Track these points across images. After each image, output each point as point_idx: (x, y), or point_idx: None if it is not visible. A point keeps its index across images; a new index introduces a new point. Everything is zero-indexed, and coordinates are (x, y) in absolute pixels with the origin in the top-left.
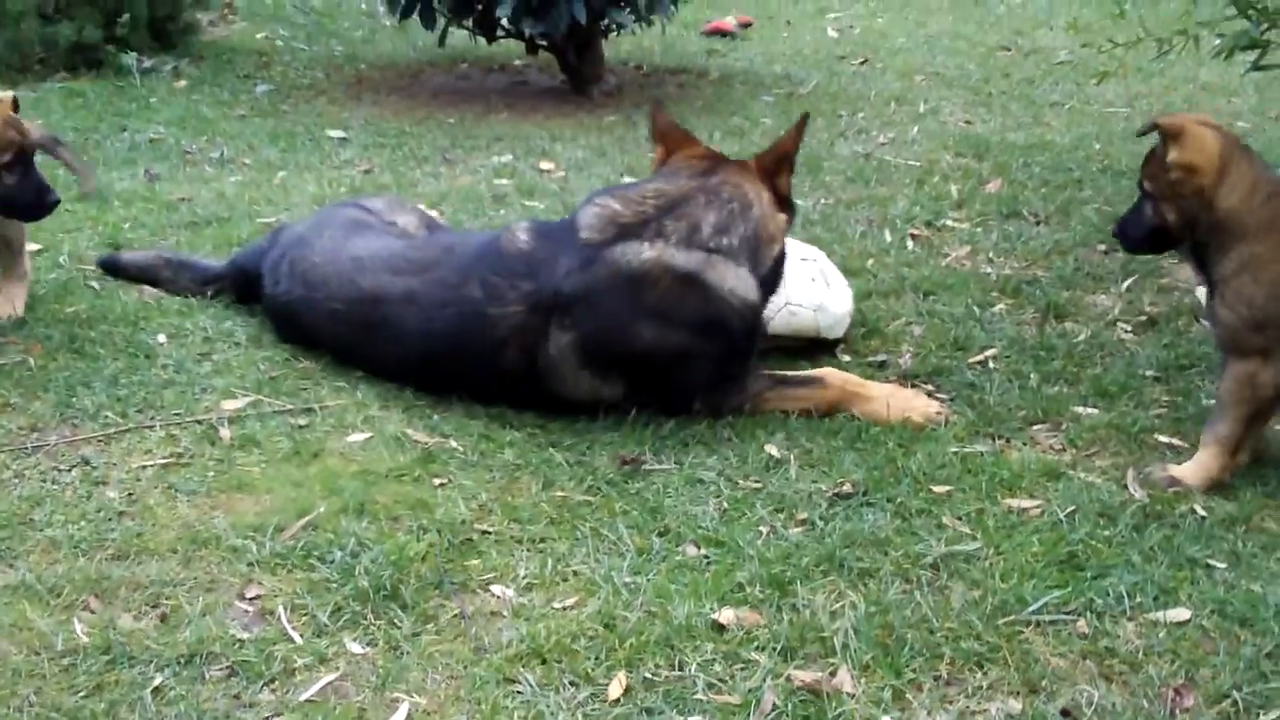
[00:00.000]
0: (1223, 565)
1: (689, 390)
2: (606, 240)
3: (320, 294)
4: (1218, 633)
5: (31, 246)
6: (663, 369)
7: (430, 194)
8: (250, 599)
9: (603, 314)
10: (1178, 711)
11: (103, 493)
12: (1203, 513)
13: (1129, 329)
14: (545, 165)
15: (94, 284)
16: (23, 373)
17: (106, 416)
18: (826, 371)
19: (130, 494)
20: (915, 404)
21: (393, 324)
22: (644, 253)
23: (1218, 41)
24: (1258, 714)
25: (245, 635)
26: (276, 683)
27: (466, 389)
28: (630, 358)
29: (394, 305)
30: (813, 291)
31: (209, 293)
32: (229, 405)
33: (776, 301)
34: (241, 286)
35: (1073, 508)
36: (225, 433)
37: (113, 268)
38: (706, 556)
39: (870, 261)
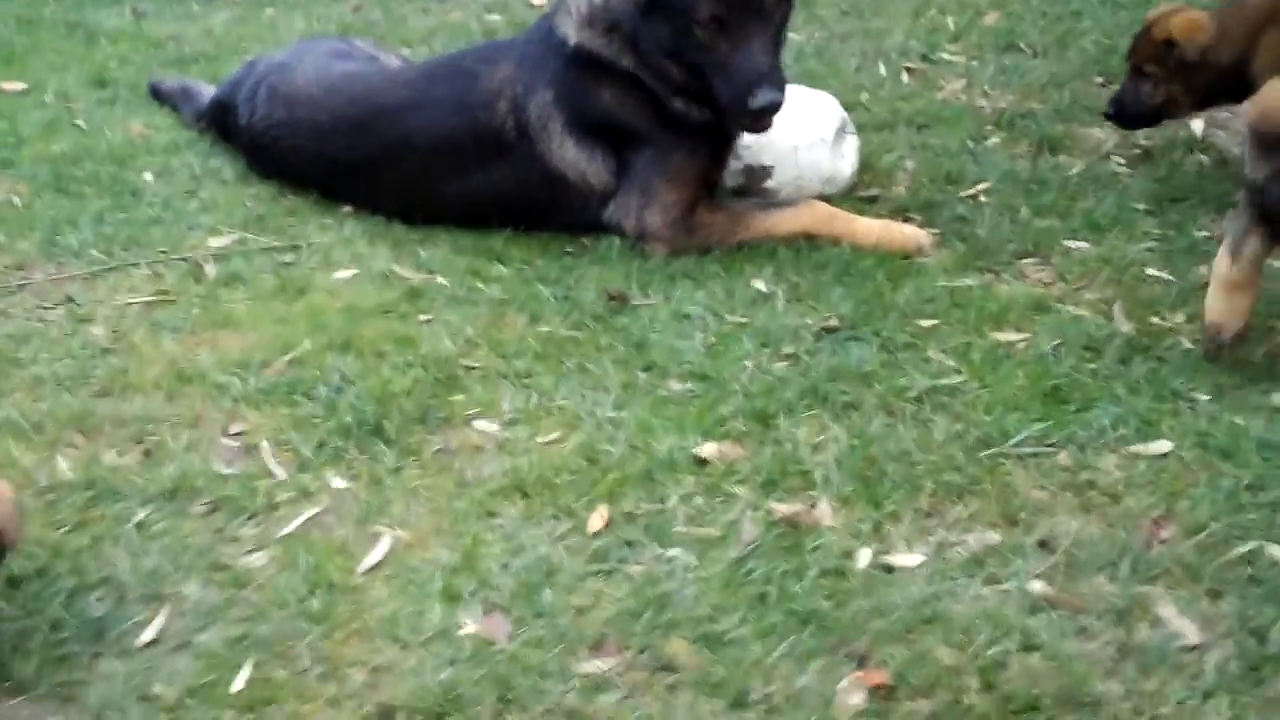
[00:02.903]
0: (1206, 398)
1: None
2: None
3: (304, 111)
4: (1198, 465)
5: (17, 85)
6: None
7: (420, 30)
8: (234, 434)
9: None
10: (1155, 543)
11: (88, 330)
12: (1189, 345)
13: (1123, 162)
14: (536, 0)
15: (80, 122)
16: (8, 211)
17: (92, 254)
18: (812, 202)
19: (115, 331)
20: (901, 231)
21: (386, 117)
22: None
23: None
24: (1234, 545)
25: (229, 471)
26: (259, 517)
27: (460, 189)
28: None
29: (386, 100)
30: (824, 160)
31: (200, 128)
32: (215, 243)
33: (786, 174)
34: (221, 122)
35: (1059, 341)
36: (210, 270)
37: (154, 92)
38: (690, 391)
39: (864, 96)
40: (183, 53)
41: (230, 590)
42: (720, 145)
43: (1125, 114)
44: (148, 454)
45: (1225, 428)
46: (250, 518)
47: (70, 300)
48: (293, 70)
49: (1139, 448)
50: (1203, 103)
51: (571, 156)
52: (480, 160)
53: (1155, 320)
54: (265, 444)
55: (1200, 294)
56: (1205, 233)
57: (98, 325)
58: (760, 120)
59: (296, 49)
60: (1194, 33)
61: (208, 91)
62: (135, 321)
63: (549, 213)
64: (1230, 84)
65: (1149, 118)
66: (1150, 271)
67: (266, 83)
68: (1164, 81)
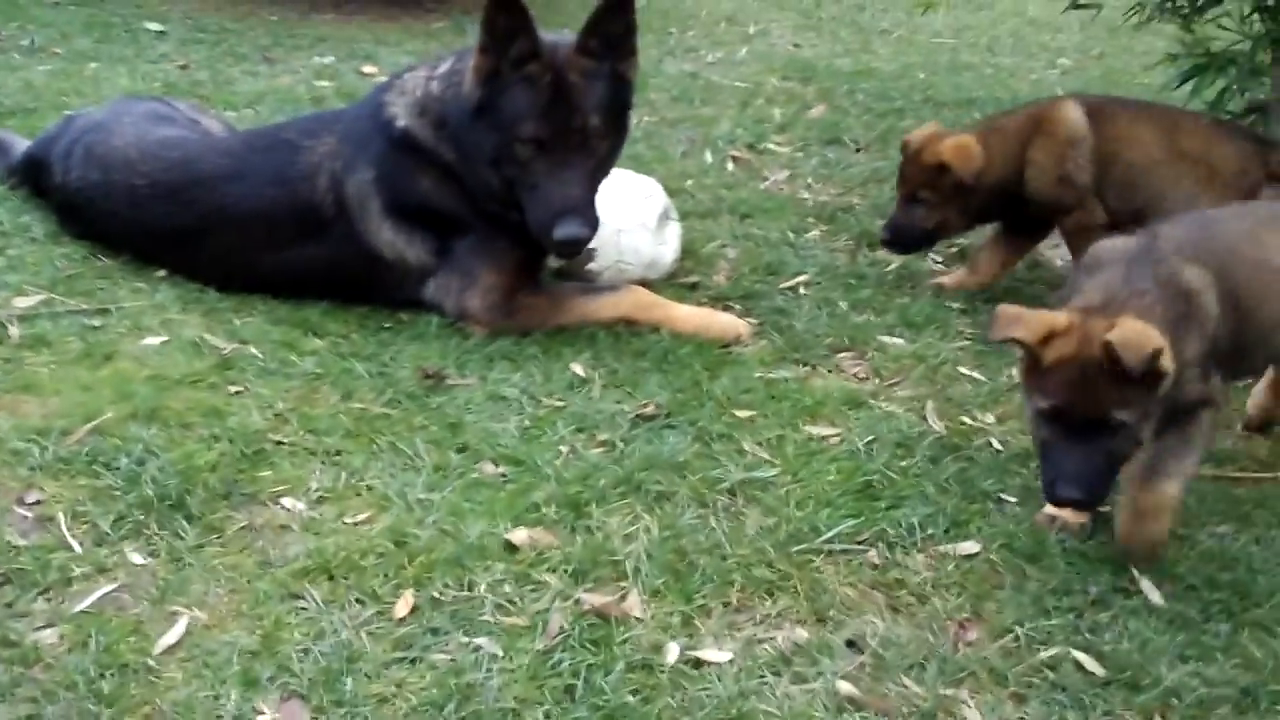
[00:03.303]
0: (1014, 499)
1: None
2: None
3: (120, 176)
4: (1005, 567)
5: None
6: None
7: (247, 93)
8: (29, 504)
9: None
10: (961, 645)
11: None
12: (999, 446)
13: (939, 260)
14: (368, 69)
15: None
16: None
17: None
18: (633, 288)
19: None
20: (720, 319)
21: (204, 185)
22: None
23: None
24: (1039, 649)
25: (22, 542)
26: (52, 592)
27: (277, 262)
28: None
29: (205, 168)
30: (646, 245)
31: (12, 183)
32: (21, 303)
33: (608, 257)
34: (34, 178)
35: (871, 437)
36: (15, 331)
37: None
38: (504, 475)
39: (690, 182)
40: (1, 104)
41: (17, 668)
42: None
43: (902, 239)
44: None
45: (1032, 530)
46: (42, 592)
47: None
48: (111, 131)
49: (948, 548)
50: (975, 221)
51: (389, 237)
52: (298, 235)
53: (966, 420)
54: (62, 515)
55: (1010, 395)
56: None
57: None
58: (563, 251)
59: (115, 108)
60: (967, 158)
61: (21, 145)
62: None
63: (368, 289)
64: (1001, 202)
65: (925, 240)
66: (963, 370)
67: (83, 142)
68: (938, 206)
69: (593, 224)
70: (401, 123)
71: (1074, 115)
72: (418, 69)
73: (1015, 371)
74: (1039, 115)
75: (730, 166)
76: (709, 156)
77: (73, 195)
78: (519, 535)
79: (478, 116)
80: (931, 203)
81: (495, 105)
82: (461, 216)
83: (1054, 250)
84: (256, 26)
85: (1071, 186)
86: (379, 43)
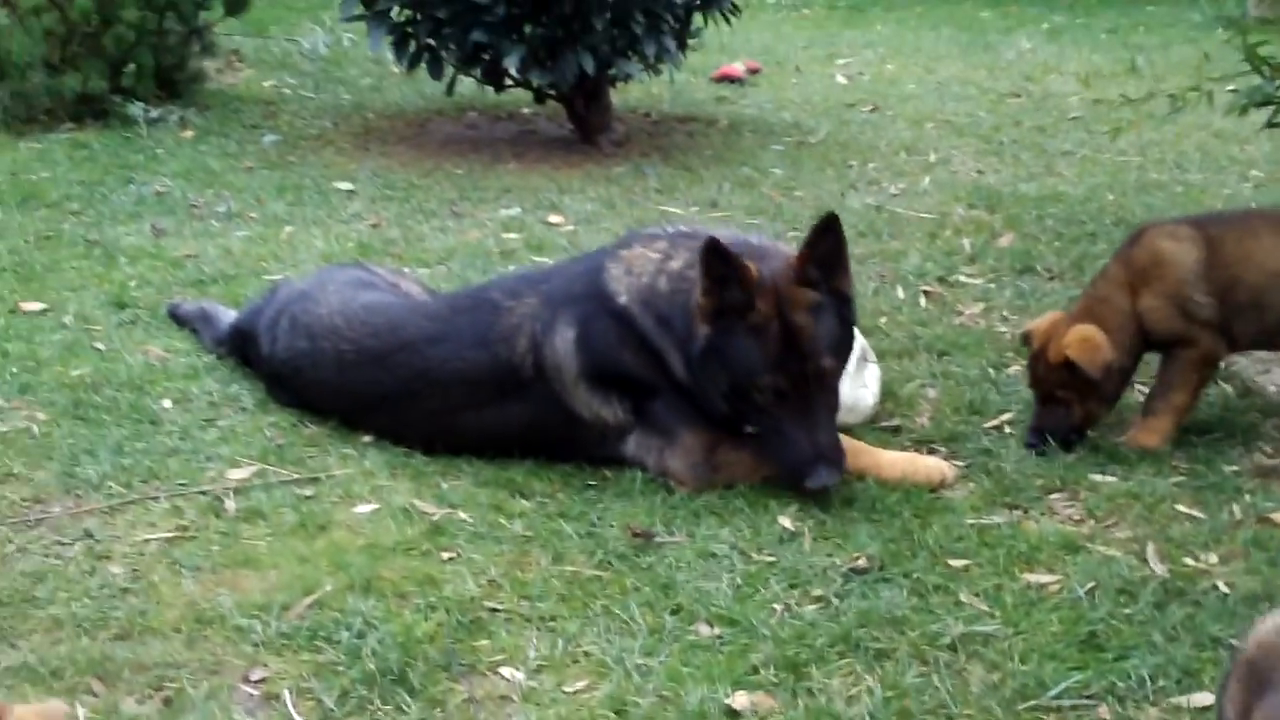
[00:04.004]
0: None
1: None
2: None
3: (327, 343)
4: None
5: (36, 305)
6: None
7: (438, 250)
8: (255, 682)
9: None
10: None
11: (106, 568)
12: (1225, 589)
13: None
14: (554, 219)
15: (99, 345)
16: (26, 440)
17: (110, 487)
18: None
19: (134, 569)
20: (925, 464)
21: (408, 349)
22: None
23: (1230, 96)
24: None
25: None
26: None
27: (480, 422)
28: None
29: (409, 333)
30: (846, 389)
31: (220, 353)
32: (234, 475)
33: None
34: (241, 349)
35: (1092, 583)
36: (230, 504)
37: (173, 316)
38: (720, 636)
39: (883, 320)
40: (202, 273)
41: None
42: None
43: (1050, 441)
44: (167, 702)
45: None
46: None
47: (89, 536)
48: (316, 300)
49: (1181, 699)
50: (1118, 397)
51: (585, 397)
52: (498, 395)
53: (1189, 561)
54: (287, 693)
55: (1233, 533)
56: (1234, 467)
57: (116, 563)
58: (815, 496)
59: (319, 277)
60: (1094, 351)
61: (227, 316)
62: (154, 559)
63: (569, 447)
64: (1136, 364)
65: (1075, 435)
66: (1180, 508)
67: (289, 312)
68: (1077, 401)
69: (842, 466)
70: (623, 300)
71: (1170, 246)
72: (649, 246)
73: (1237, 508)
74: (1133, 262)
75: (923, 301)
76: (900, 292)
77: (281, 365)
78: (740, 700)
79: (707, 356)
80: (1070, 400)
81: (724, 351)
82: (660, 385)
83: (1264, 376)
84: (443, 180)
85: (1196, 320)
86: (562, 191)
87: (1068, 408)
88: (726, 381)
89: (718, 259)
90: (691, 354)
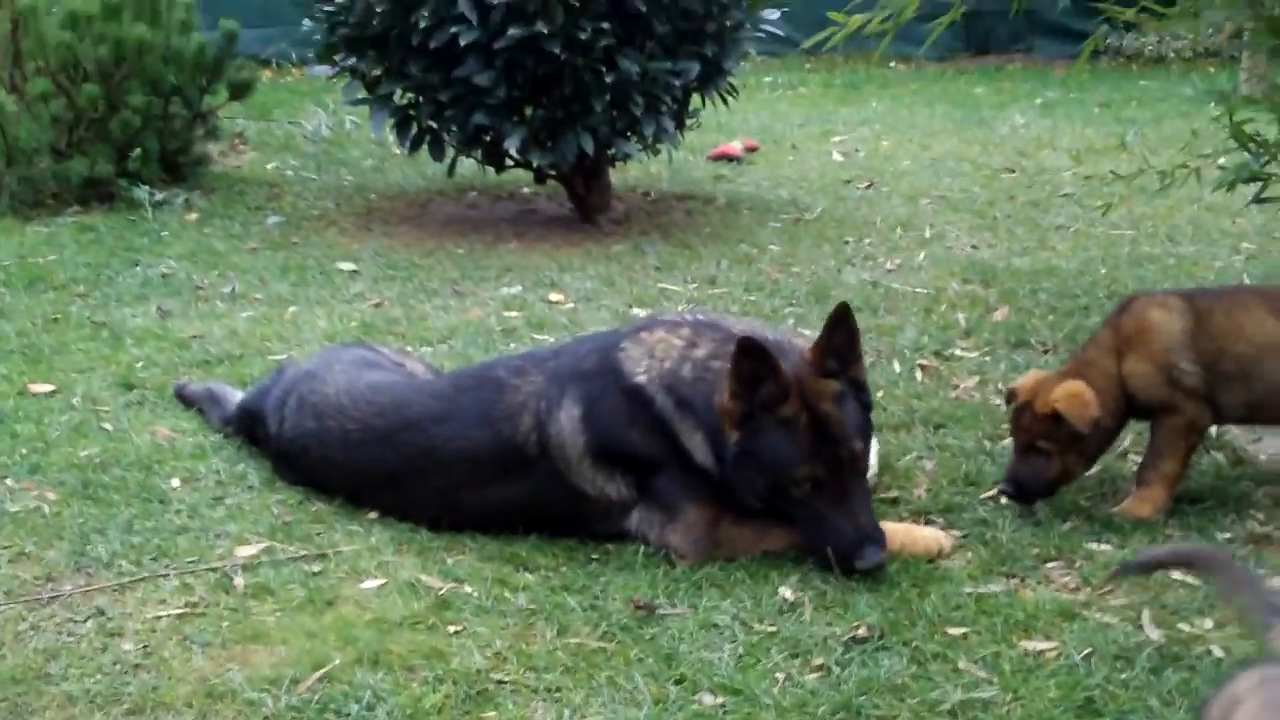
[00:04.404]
0: None
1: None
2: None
3: (334, 422)
4: None
5: (44, 387)
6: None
7: (440, 328)
8: None
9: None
10: None
11: (118, 645)
12: (1219, 654)
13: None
14: (554, 297)
15: (107, 426)
16: (37, 520)
17: (121, 565)
18: None
19: (145, 646)
20: (922, 534)
21: (413, 428)
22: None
23: (1219, 172)
24: None
25: None
26: None
27: (484, 500)
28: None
29: (413, 412)
30: None
31: (228, 433)
32: (243, 552)
33: None
34: (249, 429)
35: (1089, 650)
36: (239, 581)
37: (180, 396)
38: (723, 705)
39: (880, 394)
40: (207, 353)
41: None
42: None
43: (1025, 492)
44: None
45: None
46: None
47: (100, 613)
48: (323, 380)
49: None
50: (1099, 456)
51: (590, 474)
52: (501, 473)
53: (1184, 627)
54: None
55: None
56: (1227, 535)
57: (128, 640)
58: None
59: (325, 357)
60: (1082, 407)
61: (234, 396)
62: (165, 635)
63: (572, 523)
64: (1119, 429)
65: (1049, 489)
66: (1175, 575)
67: (296, 392)
68: (1058, 454)
69: (884, 542)
70: (640, 379)
71: (1158, 315)
72: (673, 332)
73: None
74: (1121, 328)
75: (919, 376)
76: (897, 366)
77: (288, 444)
78: None
79: (741, 460)
80: (1050, 452)
81: (758, 451)
82: (668, 463)
83: (1256, 445)
84: (444, 260)
85: (1180, 387)
86: (563, 269)
87: (1047, 459)
88: (764, 481)
89: (751, 359)
90: (720, 452)
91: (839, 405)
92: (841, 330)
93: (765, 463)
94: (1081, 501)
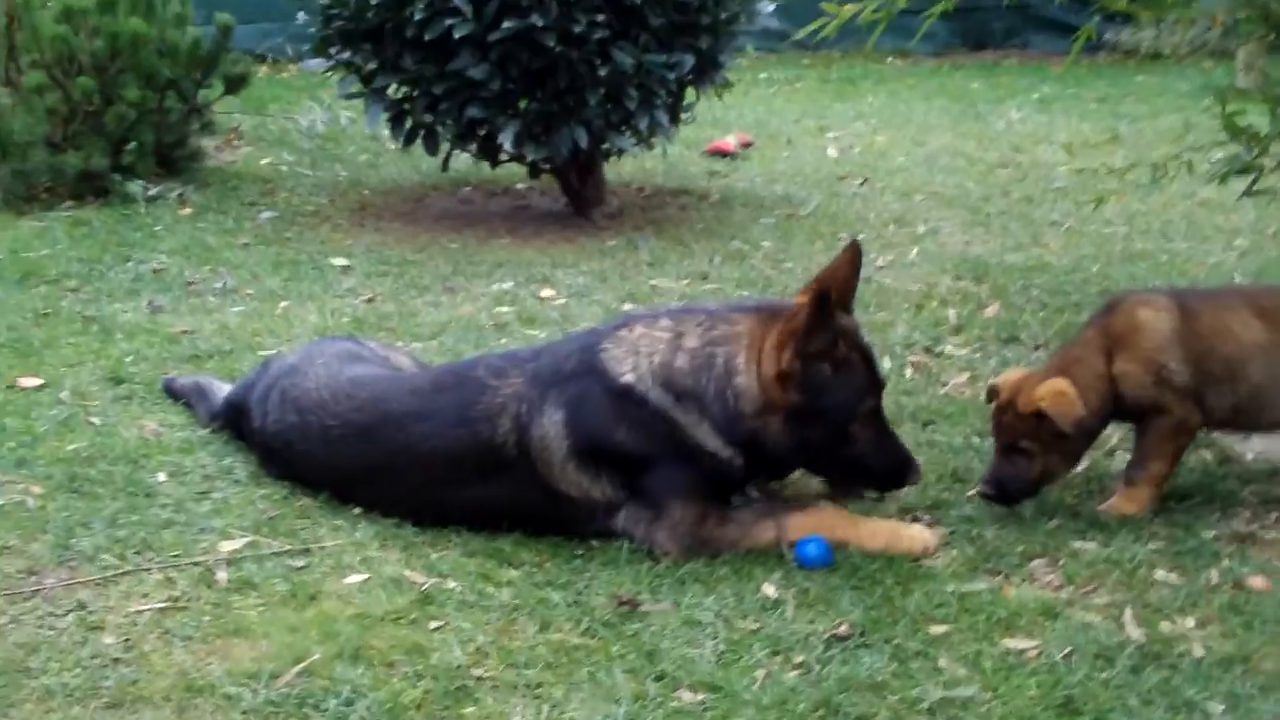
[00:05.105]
0: (1220, 708)
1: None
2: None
3: (314, 417)
4: None
5: (33, 381)
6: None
7: (431, 324)
8: None
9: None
10: None
11: (99, 638)
12: (1200, 653)
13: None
14: (546, 293)
15: (95, 420)
16: (21, 513)
17: (104, 559)
18: (820, 505)
19: (126, 640)
20: (908, 532)
21: (392, 424)
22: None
23: (1211, 165)
24: None
25: None
26: None
27: (463, 498)
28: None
29: (392, 407)
30: None
31: (215, 427)
32: (226, 546)
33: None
34: (235, 423)
35: (1070, 648)
36: (222, 575)
37: (168, 391)
38: (703, 702)
39: None
40: (198, 348)
41: None
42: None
43: (1007, 493)
44: None
45: None
46: None
47: (82, 607)
48: (305, 374)
49: None
50: (1079, 458)
51: (574, 477)
52: (480, 473)
53: (1165, 625)
54: None
55: (1209, 597)
56: (1212, 533)
57: (109, 634)
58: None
59: (309, 351)
60: (1067, 405)
61: (222, 390)
62: (146, 629)
63: (556, 523)
64: (1102, 429)
65: (1032, 489)
66: (1159, 574)
67: (279, 386)
68: (1040, 454)
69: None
70: (627, 379)
71: (1147, 314)
72: (651, 326)
73: (1215, 572)
74: (1109, 328)
75: (909, 372)
76: (887, 362)
77: (271, 439)
78: None
79: (801, 417)
80: (1033, 453)
81: (824, 401)
82: (655, 456)
83: (1243, 444)
84: (437, 255)
85: (1170, 386)
86: (555, 265)
87: (1029, 460)
88: (827, 431)
89: (822, 314)
90: (746, 429)
91: (864, 336)
92: (853, 266)
93: (834, 409)
94: (1068, 499)
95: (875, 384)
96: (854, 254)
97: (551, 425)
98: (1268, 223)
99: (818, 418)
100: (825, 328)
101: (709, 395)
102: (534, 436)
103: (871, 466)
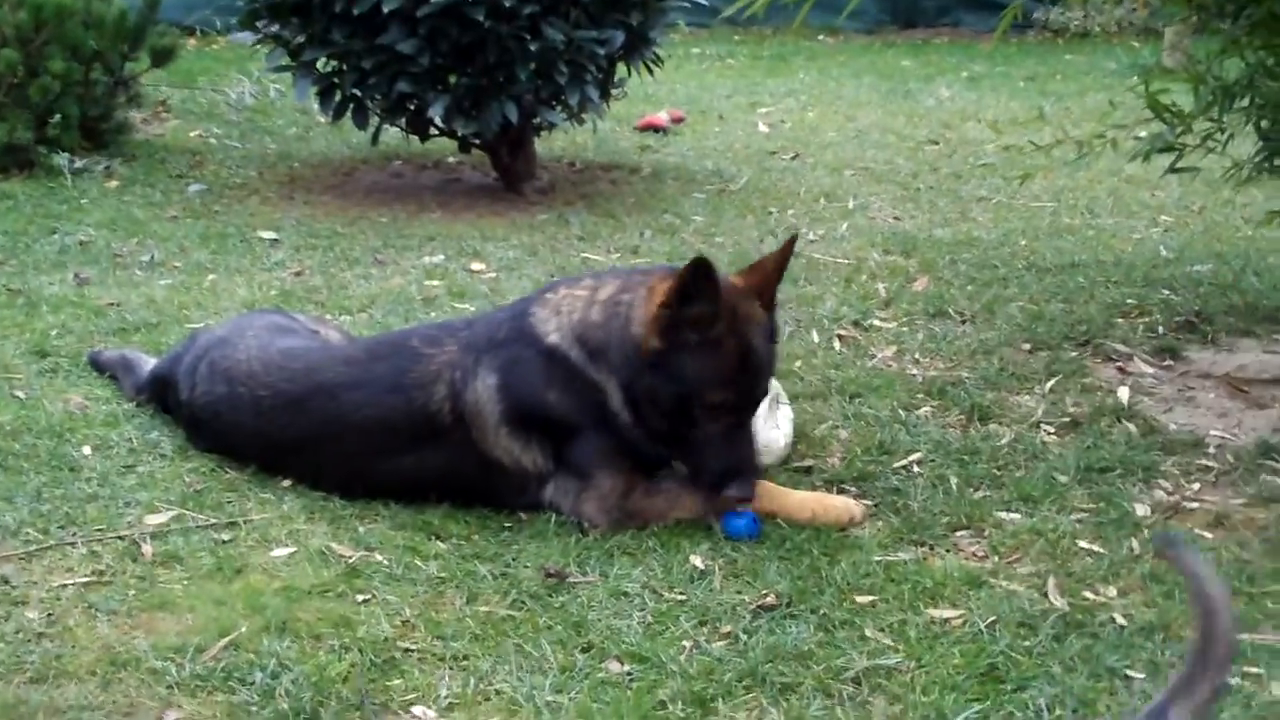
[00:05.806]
0: (1141, 675)
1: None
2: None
3: (244, 388)
4: None
5: None
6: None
7: (361, 296)
8: None
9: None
10: None
11: (22, 613)
12: (1122, 621)
13: (1052, 430)
14: (476, 266)
15: (19, 393)
16: None
17: (28, 533)
18: None
19: (50, 614)
20: (834, 503)
21: (324, 394)
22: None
23: (1136, 143)
24: None
25: None
26: None
27: (396, 468)
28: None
29: (324, 377)
30: (759, 430)
31: (140, 400)
32: (152, 520)
33: None
34: (161, 396)
35: (994, 617)
36: (148, 549)
37: (94, 364)
38: (630, 673)
39: (798, 363)
40: (124, 321)
41: None
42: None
43: None
44: None
45: None
46: None
47: (5, 581)
48: (234, 345)
49: None
50: None
51: (506, 444)
52: (415, 442)
53: (1088, 595)
54: None
55: (1131, 567)
56: (1136, 503)
57: (32, 608)
58: (726, 505)
59: (238, 323)
60: None
61: (148, 363)
62: (71, 604)
63: (487, 494)
64: None
65: None
66: (1082, 544)
67: (208, 358)
68: None
69: (758, 479)
70: (552, 339)
71: None
72: (573, 287)
73: (1136, 543)
74: None
75: (837, 345)
76: (815, 336)
77: (199, 410)
78: None
79: (655, 367)
80: None
81: (676, 363)
82: (583, 423)
83: (1166, 415)
84: (367, 229)
85: None
86: (486, 239)
87: None
88: (672, 397)
89: (700, 274)
90: (632, 376)
91: (766, 341)
92: (785, 263)
93: (681, 378)
94: (993, 470)
95: (740, 383)
96: (785, 250)
97: (485, 390)
98: (1191, 199)
99: (669, 379)
100: (703, 297)
101: (612, 346)
102: (468, 402)
103: (705, 459)
